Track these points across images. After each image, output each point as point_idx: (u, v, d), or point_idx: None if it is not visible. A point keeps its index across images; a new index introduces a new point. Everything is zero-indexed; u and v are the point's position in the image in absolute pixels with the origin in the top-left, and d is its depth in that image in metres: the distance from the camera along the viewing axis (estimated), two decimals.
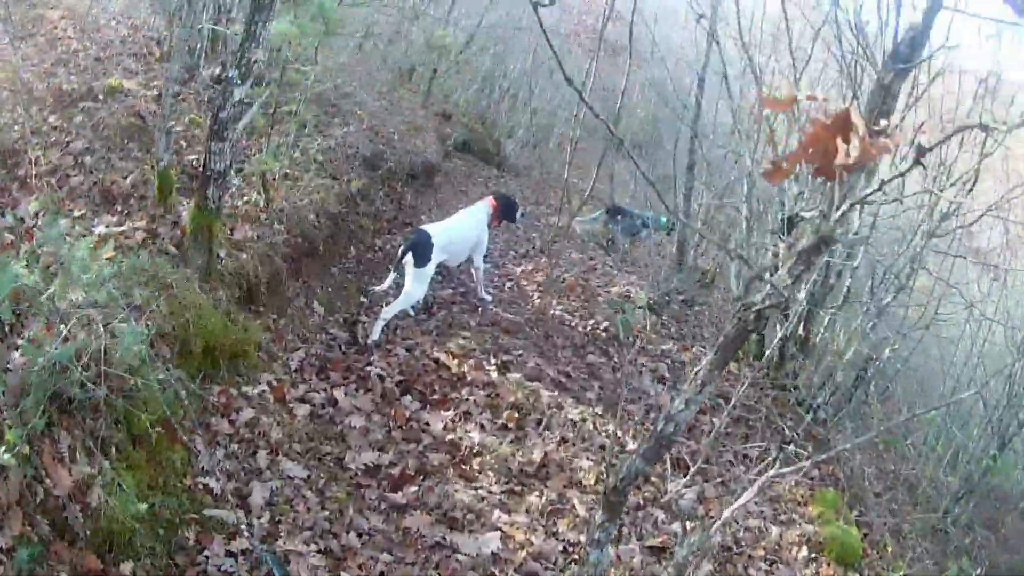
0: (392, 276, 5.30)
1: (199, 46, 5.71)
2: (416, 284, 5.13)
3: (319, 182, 5.62)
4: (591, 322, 6.49)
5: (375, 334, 4.91)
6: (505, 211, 6.15)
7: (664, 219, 9.74)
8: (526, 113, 12.31)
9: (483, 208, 6.00)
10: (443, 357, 4.89)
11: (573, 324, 6.35)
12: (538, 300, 6.59)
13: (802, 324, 6.44)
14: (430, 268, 5.21)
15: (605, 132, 15.67)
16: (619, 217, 9.41)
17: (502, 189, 10.35)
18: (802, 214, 5.83)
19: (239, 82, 3.74)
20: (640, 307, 7.06)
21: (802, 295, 6.21)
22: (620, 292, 7.50)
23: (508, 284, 6.82)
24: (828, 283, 6.28)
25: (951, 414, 6.59)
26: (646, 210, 10.27)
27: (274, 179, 5.05)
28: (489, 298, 6.20)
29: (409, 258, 5.09)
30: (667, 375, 6.09)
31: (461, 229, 5.71)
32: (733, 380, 6.30)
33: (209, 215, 3.88)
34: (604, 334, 6.33)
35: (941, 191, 5.49)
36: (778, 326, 6.36)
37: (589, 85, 6.48)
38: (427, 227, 5.42)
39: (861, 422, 6.50)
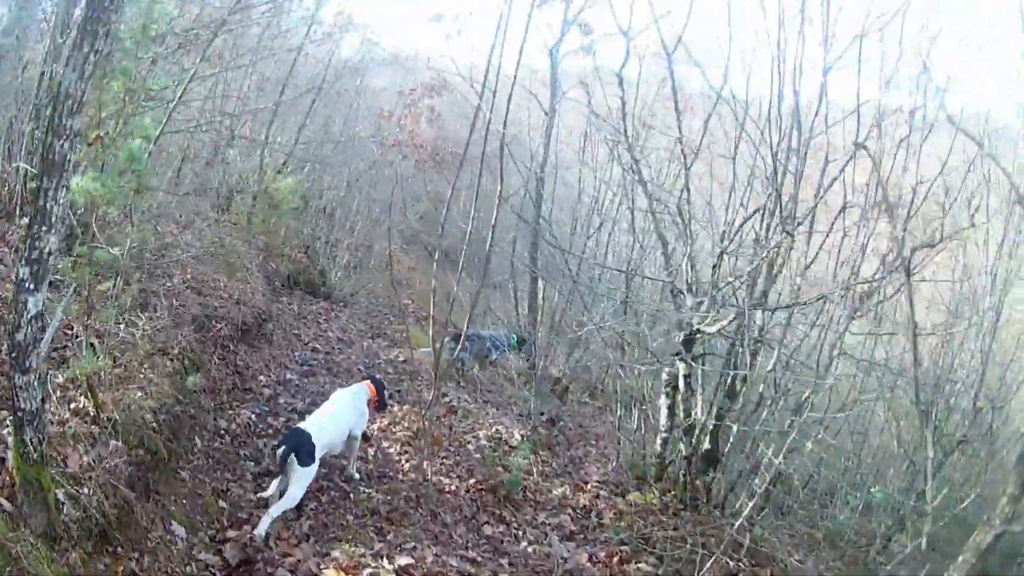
0: (276, 482, 4.70)
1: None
2: (301, 484, 4.68)
3: (150, 372, 4.72)
4: (471, 481, 5.96)
5: (262, 528, 4.36)
6: (380, 396, 5.88)
7: (515, 337, 9.50)
8: (345, 231, 11.74)
9: (362, 390, 5.74)
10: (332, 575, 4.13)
11: (454, 488, 5.78)
12: (407, 465, 5.97)
13: (707, 439, 6.22)
14: (314, 466, 4.76)
15: (426, 241, 15.28)
16: (466, 343, 9.04)
17: (334, 325, 9.66)
18: (703, 328, 5.78)
19: (33, 287, 2.86)
20: (517, 448, 6.65)
21: (699, 412, 6.14)
22: (490, 435, 7.06)
23: (369, 449, 6.13)
24: (734, 390, 6.08)
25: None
26: (495, 329, 10.01)
27: (100, 379, 4.12)
28: (358, 476, 5.53)
29: (292, 459, 4.63)
30: (573, 527, 5.69)
31: (339, 418, 5.28)
32: (643, 512, 6.05)
33: (35, 465, 2.97)
34: (491, 495, 5.81)
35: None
36: (681, 445, 6.22)
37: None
38: (305, 425, 4.91)
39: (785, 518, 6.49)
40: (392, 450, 6.21)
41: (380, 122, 13.21)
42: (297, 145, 10.57)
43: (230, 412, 5.80)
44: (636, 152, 6.16)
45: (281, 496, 4.60)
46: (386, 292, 13.32)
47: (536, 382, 7.97)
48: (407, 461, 6.08)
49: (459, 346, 8.83)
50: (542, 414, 7.77)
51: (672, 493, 6.42)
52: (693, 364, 6.10)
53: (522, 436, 7.08)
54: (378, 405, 5.87)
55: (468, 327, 6.07)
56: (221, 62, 8.17)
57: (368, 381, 5.91)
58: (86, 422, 3.82)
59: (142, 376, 4.62)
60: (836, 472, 6.87)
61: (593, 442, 8.15)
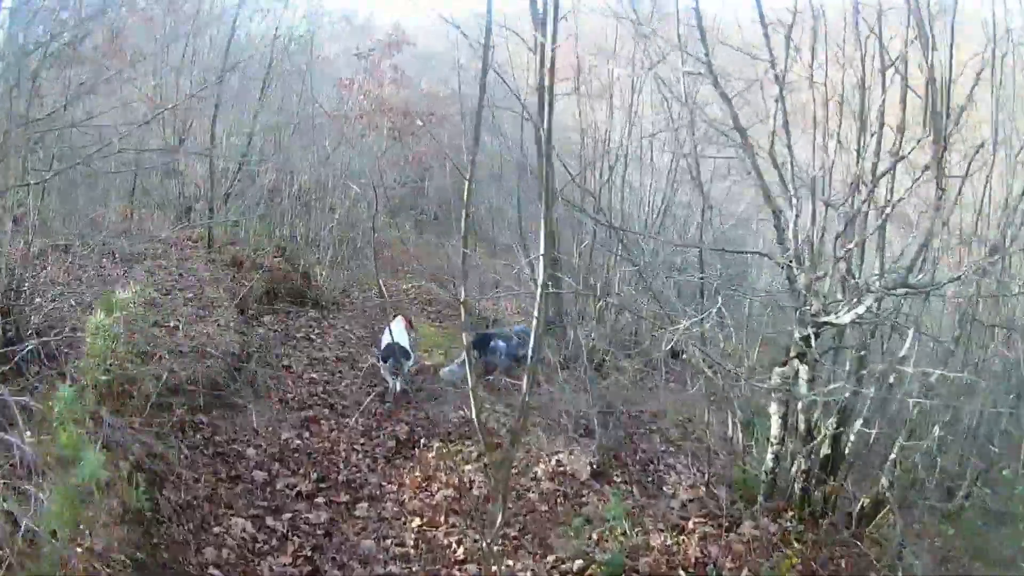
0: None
1: None
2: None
3: (99, 526, 3.17)
4: (550, 560, 4.49)
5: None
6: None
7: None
8: (324, 217, 10.01)
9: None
10: None
11: None
12: (461, 550, 4.50)
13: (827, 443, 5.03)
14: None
15: (414, 206, 13.56)
16: (490, 344, 7.47)
17: (329, 339, 8.09)
18: (831, 320, 4.38)
19: None
20: (608, 513, 5.09)
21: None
22: (550, 470, 5.58)
23: (408, 537, 4.65)
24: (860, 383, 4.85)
25: None
26: (515, 325, 8.43)
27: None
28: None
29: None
30: None
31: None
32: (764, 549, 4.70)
33: None
34: None
35: None
36: (800, 458, 4.96)
37: None
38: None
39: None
40: (437, 532, 4.72)
41: (341, 93, 11.39)
42: (253, 137, 8.83)
43: (217, 530, 4.25)
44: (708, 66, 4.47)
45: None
46: (385, 281, 11.75)
47: (590, 386, 6.43)
48: (459, 543, 4.61)
49: (482, 351, 7.35)
50: (607, 426, 6.29)
51: (791, 514, 5.10)
52: (818, 361, 4.60)
53: (592, 466, 5.62)
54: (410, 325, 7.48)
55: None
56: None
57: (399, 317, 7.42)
58: None
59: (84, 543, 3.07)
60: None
61: (653, 426, 6.77)
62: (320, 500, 5.03)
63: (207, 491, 4.52)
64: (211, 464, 4.85)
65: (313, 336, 8.06)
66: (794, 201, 4.43)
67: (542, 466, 5.67)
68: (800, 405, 4.82)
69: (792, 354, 4.61)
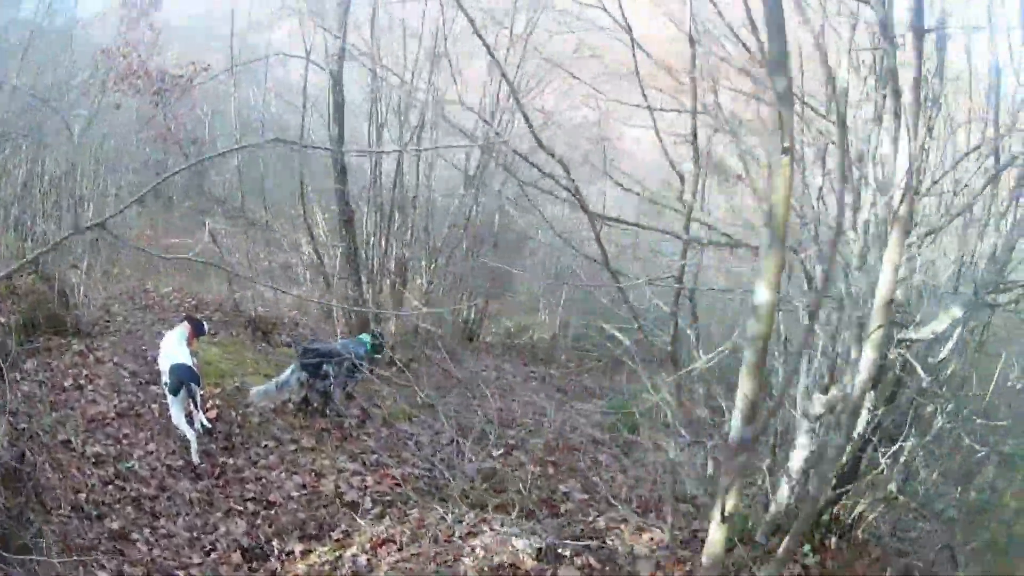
0: None
1: None
2: None
3: None
4: None
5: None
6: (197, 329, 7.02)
7: (366, 340, 7.72)
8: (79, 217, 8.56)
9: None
10: None
11: None
12: None
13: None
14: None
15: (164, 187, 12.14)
16: (321, 369, 7.08)
17: (102, 386, 7.04)
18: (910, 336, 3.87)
19: None
20: None
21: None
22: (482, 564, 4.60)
23: None
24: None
25: None
26: (340, 339, 8.05)
27: None
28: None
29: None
30: None
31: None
32: None
33: None
34: None
35: None
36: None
37: None
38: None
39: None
40: None
41: (98, 59, 9.78)
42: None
43: None
44: None
45: None
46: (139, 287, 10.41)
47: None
48: None
49: (311, 370, 6.98)
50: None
51: (810, 556, 4.51)
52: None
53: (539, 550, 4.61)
54: (197, 333, 6.99)
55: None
56: None
57: (185, 322, 6.95)
58: None
59: None
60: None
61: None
62: None
63: None
64: None
65: (83, 381, 6.95)
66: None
67: (467, 558, 4.71)
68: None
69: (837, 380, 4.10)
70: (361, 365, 7.32)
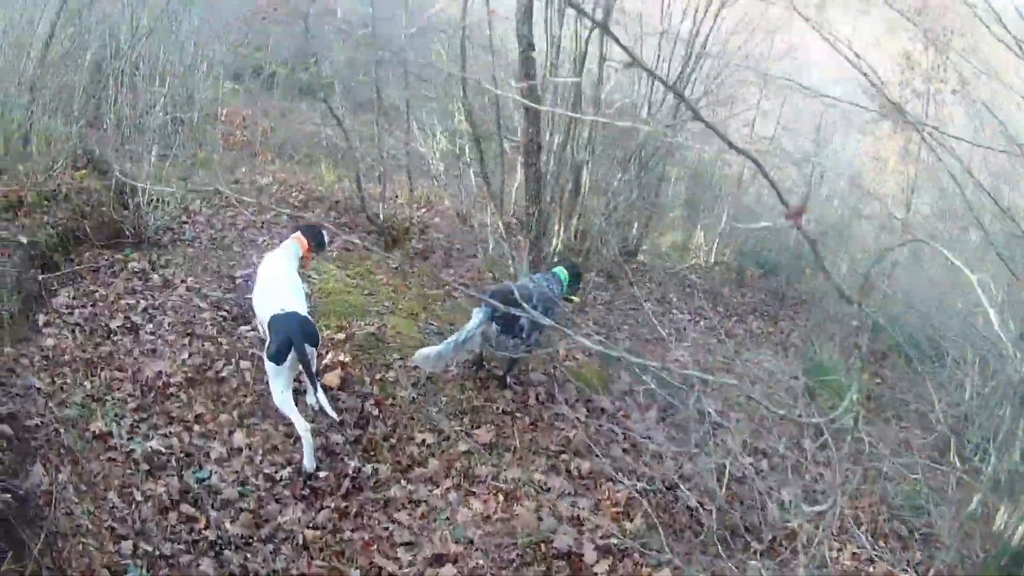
0: None
1: None
2: None
3: None
4: None
5: None
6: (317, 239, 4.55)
7: (562, 272, 5.05)
8: (153, 92, 6.09)
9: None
10: None
11: None
12: None
13: None
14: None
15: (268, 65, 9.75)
16: (519, 322, 4.47)
17: (165, 327, 4.65)
18: None
19: None
20: None
21: None
22: None
23: None
24: None
25: None
26: (533, 274, 5.28)
27: None
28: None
29: None
30: None
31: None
32: None
33: None
34: None
35: None
36: None
37: None
38: None
39: None
40: None
41: None
42: None
43: None
44: None
45: None
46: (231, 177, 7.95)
47: None
48: None
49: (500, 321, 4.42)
50: None
51: None
52: None
53: None
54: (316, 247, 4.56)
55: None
56: None
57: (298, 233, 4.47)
58: None
59: None
60: None
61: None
62: None
63: None
64: None
65: (140, 320, 4.58)
66: None
67: None
68: None
69: None
70: (554, 310, 4.68)
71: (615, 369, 5.62)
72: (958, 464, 4.03)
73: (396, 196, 8.28)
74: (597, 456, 4.08)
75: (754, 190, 11.10)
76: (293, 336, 3.68)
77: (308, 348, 3.77)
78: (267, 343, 3.81)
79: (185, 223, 6.14)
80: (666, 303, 8.40)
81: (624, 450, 4.52)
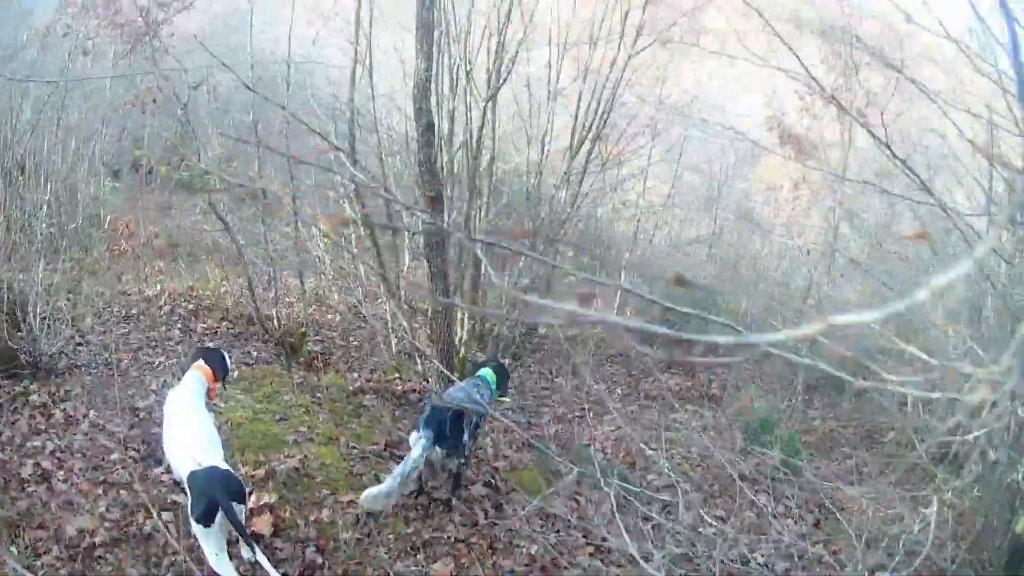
0: None
1: None
2: None
3: None
4: None
5: None
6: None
7: (489, 375, 5.14)
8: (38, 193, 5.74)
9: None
10: None
11: None
12: None
13: None
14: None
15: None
16: (448, 424, 4.47)
17: (76, 470, 4.35)
18: None
19: None
20: None
21: None
22: None
23: None
24: None
25: None
26: (467, 384, 5.24)
27: None
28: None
29: None
30: None
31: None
32: None
33: None
34: None
35: None
36: None
37: None
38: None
39: None
40: None
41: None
42: None
43: None
44: None
45: None
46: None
47: None
48: None
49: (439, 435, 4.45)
50: None
51: None
52: None
53: None
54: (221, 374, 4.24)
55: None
56: None
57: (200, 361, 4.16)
58: None
59: None
60: None
61: None
62: None
63: None
64: None
65: (50, 466, 4.25)
66: None
67: None
68: None
69: None
70: (486, 417, 4.83)
71: (552, 462, 5.68)
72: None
73: (287, 296, 8.07)
74: (567, 568, 4.14)
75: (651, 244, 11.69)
76: (218, 497, 3.53)
77: (236, 506, 3.63)
78: (190, 503, 3.63)
79: (80, 345, 5.76)
80: (578, 376, 8.53)
81: (590, 554, 4.53)
